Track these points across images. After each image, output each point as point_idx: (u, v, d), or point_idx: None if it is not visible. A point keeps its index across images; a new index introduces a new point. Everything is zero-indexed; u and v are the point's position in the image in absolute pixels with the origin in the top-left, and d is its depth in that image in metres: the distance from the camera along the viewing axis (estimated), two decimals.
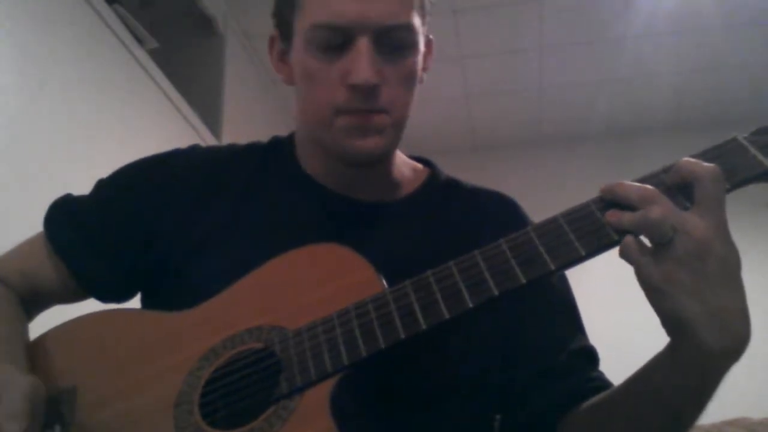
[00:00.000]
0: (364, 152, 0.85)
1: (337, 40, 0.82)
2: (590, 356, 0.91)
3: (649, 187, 0.68)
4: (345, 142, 0.85)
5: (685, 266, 0.64)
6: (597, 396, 0.84)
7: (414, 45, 0.86)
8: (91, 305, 0.97)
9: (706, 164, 0.67)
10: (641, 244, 0.67)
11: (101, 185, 1.00)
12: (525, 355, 0.89)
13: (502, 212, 0.97)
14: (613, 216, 0.68)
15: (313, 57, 0.84)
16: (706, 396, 0.70)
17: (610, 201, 0.70)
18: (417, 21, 0.85)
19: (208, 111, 3.16)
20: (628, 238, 0.67)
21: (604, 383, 0.88)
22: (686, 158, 0.69)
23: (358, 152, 0.85)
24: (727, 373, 0.67)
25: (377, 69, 0.82)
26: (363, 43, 0.81)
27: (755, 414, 2.58)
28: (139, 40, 2.68)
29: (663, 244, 0.65)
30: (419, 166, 1.01)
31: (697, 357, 0.66)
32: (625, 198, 0.68)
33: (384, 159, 0.90)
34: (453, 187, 0.99)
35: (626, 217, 0.67)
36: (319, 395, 0.71)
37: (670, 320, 0.67)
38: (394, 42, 0.83)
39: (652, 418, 0.74)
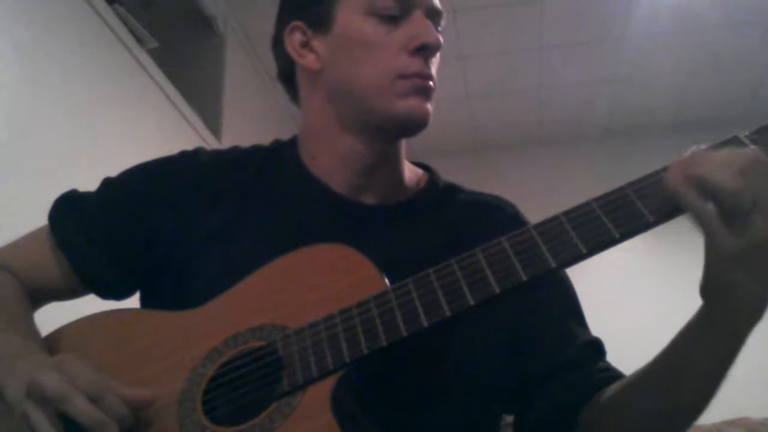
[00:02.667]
0: (421, 113, 0.89)
1: (399, 10, 0.89)
2: (598, 348, 0.92)
3: (737, 155, 0.64)
4: (403, 102, 0.89)
5: (761, 246, 0.63)
6: (621, 380, 0.84)
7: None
8: (88, 304, 0.97)
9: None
10: (721, 215, 0.64)
11: (108, 183, 1.00)
12: (534, 351, 0.89)
13: (501, 216, 0.98)
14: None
15: (373, 24, 0.89)
16: (733, 356, 0.72)
17: (610, 200, 0.70)
18: None
19: (208, 111, 3.16)
20: (710, 205, 0.64)
21: (616, 372, 0.88)
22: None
23: (414, 112, 0.89)
24: (750, 332, 0.70)
25: None
26: (421, 14, 0.90)
27: (755, 414, 2.59)
28: (139, 40, 2.69)
29: (738, 215, 0.63)
30: (419, 170, 1.02)
31: (732, 317, 0.69)
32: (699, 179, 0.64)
33: (420, 131, 0.92)
34: (452, 191, 1.01)
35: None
36: (321, 392, 0.72)
37: (719, 287, 0.68)
38: (436, 25, 0.92)
39: (690, 384, 0.76)
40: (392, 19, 0.89)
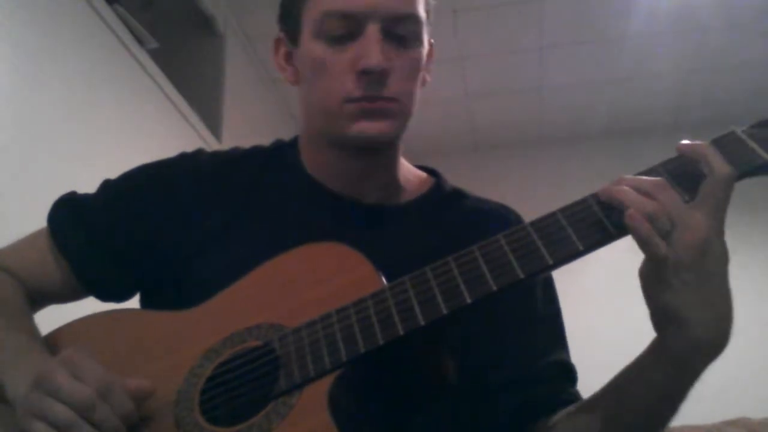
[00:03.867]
0: (371, 134, 0.86)
1: (347, 29, 0.85)
2: (569, 372, 0.91)
3: (645, 180, 0.67)
4: (352, 126, 0.86)
5: (686, 261, 0.65)
6: (575, 403, 0.84)
7: (419, 37, 0.89)
8: (87, 306, 0.97)
9: (724, 163, 0.67)
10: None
11: (107, 185, 1.00)
12: (504, 359, 0.89)
13: (504, 224, 0.97)
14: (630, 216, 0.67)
15: (322, 46, 0.87)
16: (684, 393, 0.71)
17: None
18: (422, 12, 0.89)
19: (208, 111, 3.16)
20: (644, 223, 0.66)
21: (579, 399, 0.88)
22: (705, 144, 0.68)
23: (364, 134, 0.86)
24: (706, 369, 0.69)
25: (387, 56, 0.84)
26: (373, 31, 0.84)
27: (755, 414, 2.59)
28: (139, 40, 2.69)
29: (661, 236, 0.65)
30: (424, 175, 1.02)
31: (684, 351, 0.68)
32: (621, 203, 0.67)
33: (389, 147, 0.91)
34: (457, 196, 1.00)
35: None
36: (318, 391, 0.72)
37: (664, 313, 0.68)
38: (401, 32, 0.86)
39: (633, 418, 0.75)
40: (342, 39, 0.85)
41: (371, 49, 0.83)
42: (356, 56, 0.84)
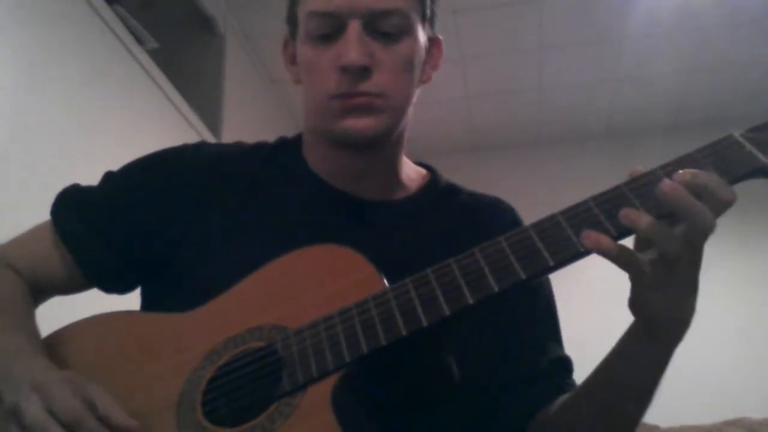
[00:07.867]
0: (357, 131, 0.87)
1: (330, 27, 0.86)
2: (567, 366, 0.93)
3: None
4: (338, 124, 0.87)
5: (678, 274, 0.68)
6: (569, 392, 0.86)
7: (408, 31, 0.88)
8: (89, 301, 0.97)
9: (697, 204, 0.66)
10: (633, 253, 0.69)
11: (110, 177, 1.00)
12: (504, 359, 0.90)
13: (499, 217, 0.99)
14: (628, 215, 0.67)
15: (309, 46, 0.88)
16: (662, 369, 0.76)
17: (607, 198, 0.70)
18: (411, 7, 0.88)
19: (208, 111, 3.16)
20: (621, 250, 0.67)
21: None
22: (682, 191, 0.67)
23: (350, 132, 0.87)
24: (678, 343, 0.74)
25: (368, 52, 0.85)
26: (353, 27, 0.85)
27: (755, 414, 2.59)
28: (139, 40, 2.69)
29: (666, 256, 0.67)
30: (421, 170, 1.03)
31: (659, 332, 0.73)
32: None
33: (379, 142, 0.91)
34: (452, 191, 1.01)
35: (644, 221, 0.66)
36: (321, 392, 0.72)
37: (643, 312, 0.72)
38: (386, 27, 0.86)
39: (617, 401, 0.79)
40: (326, 38, 0.87)
41: (349, 46, 0.85)
42: (338, 54, 0.85)
